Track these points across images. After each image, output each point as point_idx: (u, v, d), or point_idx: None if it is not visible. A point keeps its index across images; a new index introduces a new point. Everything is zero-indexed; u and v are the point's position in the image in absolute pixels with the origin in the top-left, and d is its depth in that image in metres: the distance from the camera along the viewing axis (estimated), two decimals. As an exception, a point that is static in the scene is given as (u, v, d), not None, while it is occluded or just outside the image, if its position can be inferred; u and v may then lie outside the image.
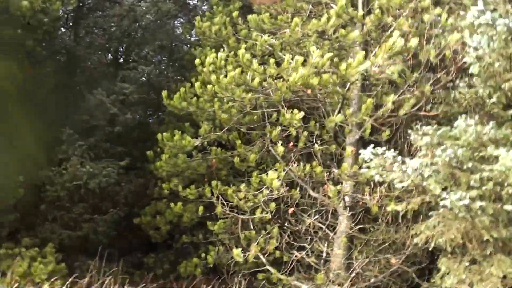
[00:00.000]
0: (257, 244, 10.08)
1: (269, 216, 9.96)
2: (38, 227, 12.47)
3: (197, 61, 10.15)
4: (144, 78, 14.49)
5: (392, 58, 9.03)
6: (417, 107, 9.66)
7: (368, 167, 8.43)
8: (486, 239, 7.89)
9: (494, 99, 8.83)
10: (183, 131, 11.28)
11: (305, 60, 9.23)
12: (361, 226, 9.91)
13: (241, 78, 9.29)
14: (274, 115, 10.24)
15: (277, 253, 10.09)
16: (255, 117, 10.55)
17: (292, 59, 9.19)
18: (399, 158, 8.22)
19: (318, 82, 8.86)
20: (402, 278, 10.03)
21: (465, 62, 9.07)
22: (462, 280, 8.33)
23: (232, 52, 10.29)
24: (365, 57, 9.15)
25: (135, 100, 13.78)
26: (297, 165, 9.74)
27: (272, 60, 9.47)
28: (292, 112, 9.50)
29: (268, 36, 10.03)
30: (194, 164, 11.32)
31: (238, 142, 10.50)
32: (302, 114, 9.45)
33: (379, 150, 8.33)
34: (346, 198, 9.85)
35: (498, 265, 8.04)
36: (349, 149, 9.69)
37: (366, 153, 8.37)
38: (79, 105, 13.28)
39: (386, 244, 9.86)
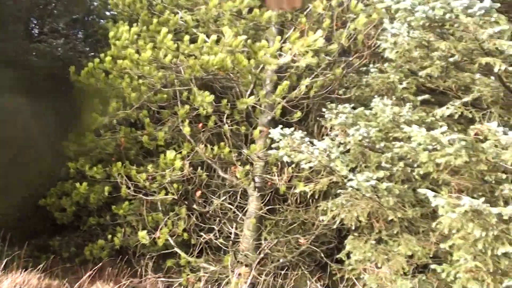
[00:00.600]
0: (165, 226, 9.87)
1: (175, 197, 9.72)
2: None
3: (110, 34, 9.69)
4: (55, 53, 13.74)
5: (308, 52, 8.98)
6: (329, 89, 9.69)
7: (278, 148, 8.35)
8: (392, 219, 7.98)
9: (404, 85, 8.95)
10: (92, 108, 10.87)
11: (220, 39, 9.07)
12: (270, 207, 9.86)
13: (153, 55, 9.01)
14: (185, 93, 10.00)
15: (185, 235, 9.87)
16: (165, 95, 10.25)
17: (208, 37, 9.00)
18: (307, 139, 8.18)
19: (232, 63, 8.70)
20: (311, 258, 10.06)
21: (378, 47, 9.16)
22: (367, 258, 8.42)
23: (145, 27, 9.96)
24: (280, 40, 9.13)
25: (46, 76, 13.06)
26: (205, 146, 9.57)
27: (186, 37, 9.23)
28: (203, 92, 9.28)
29: (185, 12, 9.79)
30: (102, 143, 10.92)
31: (147, 120, 10.18)
32: (212, 97, 9.26)
33: (288, 130, 8.27)
34: (256, 179, 9.77)
35: (404, 244, 8.16)
36: (258, 130, 9.58)
37: (274, 133, 8.29)
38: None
39: (295, 225, 9.88)
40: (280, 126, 8.42)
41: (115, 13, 12.20)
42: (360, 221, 8.18)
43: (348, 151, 8.26)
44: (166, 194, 9.97)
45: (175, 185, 9.71)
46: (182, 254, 9.83)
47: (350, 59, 9.78)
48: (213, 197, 10.05)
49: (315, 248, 9.79)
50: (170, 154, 9.48)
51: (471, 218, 6.86)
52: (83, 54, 14.19)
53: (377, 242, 8.54)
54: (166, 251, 10.37)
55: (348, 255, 9.03)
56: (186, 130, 9.46)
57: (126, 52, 9.18)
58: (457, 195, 7.14)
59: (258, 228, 9.80)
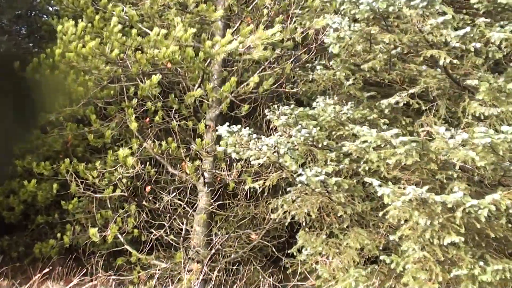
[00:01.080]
0: (114, 223, 9.76)
1: (125, 194, 9.62)
2: None
3: (58, 28, 9.44)
4: None
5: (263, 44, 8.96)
6: (277, 84, 9.72)
7: (225, 145, 8.33)
8: (340, 214, 8.07)
9: (350, 81, 9.02)
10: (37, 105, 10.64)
11: (167, 34, 8.98)
12: (220, 202, 9.86)
13: (99, 49, 8.86)
14: (132, 89, 9.86)
15: (136, 231, 9.77)
16: (112, 91, 10.10)
17: (156, 32, 8.89)
18: (255, 135, 8.19)
19: (180, 57, 8.63)
20: (263, 252, 10.08)
21: (324, 42, 9.22)
22: (318, 252, 8.50)
23: (90, 24, 9.78)
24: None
25: None
26: (153, 142, 9.49)
27: (134, 31, 9.11)
28: (149, 79, 9.15)
29: (129, 7, 9.66)
30: (49, 140, 10.71)
31: (93, 117, 10.01)
32: (159, 76, 9.14)
33: (235, 128, 8.25)
34: (206, 175, 9.75)
35: (355, 237, 8.26)
36: (203, 125, 9.56)
37: (222, 130, 8.26)
38: None
39: (246, 220, 9.88)
40: (227, 123, 8.38)
41: (58, 8, 11.94)
42: (310, 216, 8.23)
43: (295, 147, 8.29)
44: (114, 191, 9.86)
45: (124, 181, 9.59)
46: (133, 252, 9.74)
47: (299, 53, 9.82)
48: (163, 193, 9.97)
49: (266, 243, 9.81)
50: (123, 151, 9.31)
51: (416, 206, 6.98)
52: (27, 50, 13.85)
53: (328, 236, 8.61)
54: (117, 248, 10.27)
55: (299, 250, 9.10)
56: (134, 125, 9.32)
57: (72, 46, 8.98)
58: (404, 186, 7.26)
59: (209, 224, 9.78)
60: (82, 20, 9.69)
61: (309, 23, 9.53)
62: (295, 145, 7.95)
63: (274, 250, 9.91)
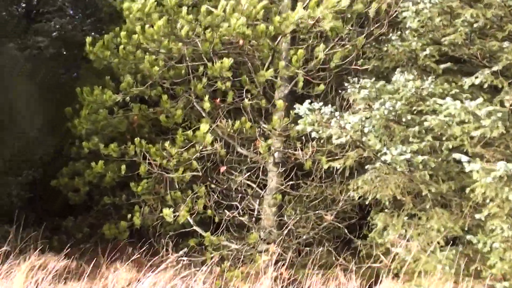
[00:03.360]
0: (185, 204, 9.66)
1: (199, 173, 9.48)
2: None
3: (124, 5, 9.28)
4: (58, 32, 13.30)
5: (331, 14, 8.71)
6: (348, 60, 9.45)
7: (303, 123, 8.12)
8: (424, 193, 7.82)
9: (427, 52, 8.73)
10: (103, 86, 10.51)
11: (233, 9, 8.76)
12: (292, 182, 9.65)
13: (168, 28, 8.69)
14: (201, 68, 9.66)
15: (209, 212, 9.60)
16: (182, 71, 9.92)
17: (223, 6, 8.67)
18: (337, 113, 7.95)
19: (252, 33, 8.41)
20: (334, 234, 9.88)
21: (398, 16, 8.94)
22: (398, 234, 8.29)
23: (156, 2, 9.59)
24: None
25: (50, 55, 12.67)
26: (226, 121, 9.30)
27: (203, 8, 8.90)
28: (221, 60, 8.94)
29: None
30: (115, 122, 10.64)
31: (165, 97, 9.83)
32: (231, 60, 8.91)
33: (316, 105, 8.03)
34: (276, 154, 9.56)
35: (437, 218, 8.01)
36: (281, 103, 9.32)
37: (301, 108, 8.04)
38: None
39: (317, 201, 9.65)
40: (308, 101, 8.15)
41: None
42: (393, 196, 8.01)
43: (375, 125, 8.04)
44: (184, 172, 9.73)
45: (194, 163, 9.46)
46: (206, 234, 9.56)
47: (372, 29, 9.52)
48: (235, 173, 9.78)
49: (338, 224, 9.61)
50: (204, 127, 9.12)
51: (507, 183, 6.73)
52: (87, 33, 13.73)
53: (409, 217, 8.37)
54: (184, 230, 10.17)
55: (372, 230, 8.92)
56: (206, 105, 9.14)
57: (138, 27, 8.83)
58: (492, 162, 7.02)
59: (281, 204, 9.60)
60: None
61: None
62: (378, 119, 7.66)
63: (346, 231, 9.71)
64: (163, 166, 9.80)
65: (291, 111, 8.75)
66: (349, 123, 7.63)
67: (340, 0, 8.60)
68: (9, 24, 13.77)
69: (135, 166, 10.29)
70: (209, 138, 9.12)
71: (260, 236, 9.43)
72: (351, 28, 9.46)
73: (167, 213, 9.21)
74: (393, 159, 7.31)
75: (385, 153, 7.43)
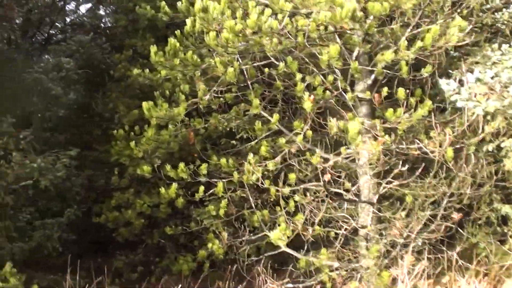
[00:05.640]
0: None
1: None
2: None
3: (196, 6, 7.88)
4: (77, 50, 11.76)
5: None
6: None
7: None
8: None
9: None
10: (155, 102, 9.06)
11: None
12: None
13: (260, 21, 7.46)
14: (282, 64, 8.39)
15: (318, 228, 8.26)
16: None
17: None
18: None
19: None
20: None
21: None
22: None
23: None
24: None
25: (78, 76, 11.15)
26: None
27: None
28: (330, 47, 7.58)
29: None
30: (177, 138, 9.39)
31: (256, 101, 8.29)
32: (338, 47, 7.60)
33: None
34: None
35: None
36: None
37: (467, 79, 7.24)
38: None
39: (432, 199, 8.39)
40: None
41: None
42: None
43: None
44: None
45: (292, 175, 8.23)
46: (300, 256, 8.30)
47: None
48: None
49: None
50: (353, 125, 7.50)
51: None
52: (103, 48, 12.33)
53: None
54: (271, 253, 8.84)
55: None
56: (308, 105, 7.81)
57: (228, 23, 7.57)
58: None
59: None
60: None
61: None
62: None
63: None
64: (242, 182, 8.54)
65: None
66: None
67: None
68: (21, 47, 12.31)
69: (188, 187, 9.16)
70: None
71: (367, 248, 8.23)
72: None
73: (278, 235, 7.79)
74: None
75: None
